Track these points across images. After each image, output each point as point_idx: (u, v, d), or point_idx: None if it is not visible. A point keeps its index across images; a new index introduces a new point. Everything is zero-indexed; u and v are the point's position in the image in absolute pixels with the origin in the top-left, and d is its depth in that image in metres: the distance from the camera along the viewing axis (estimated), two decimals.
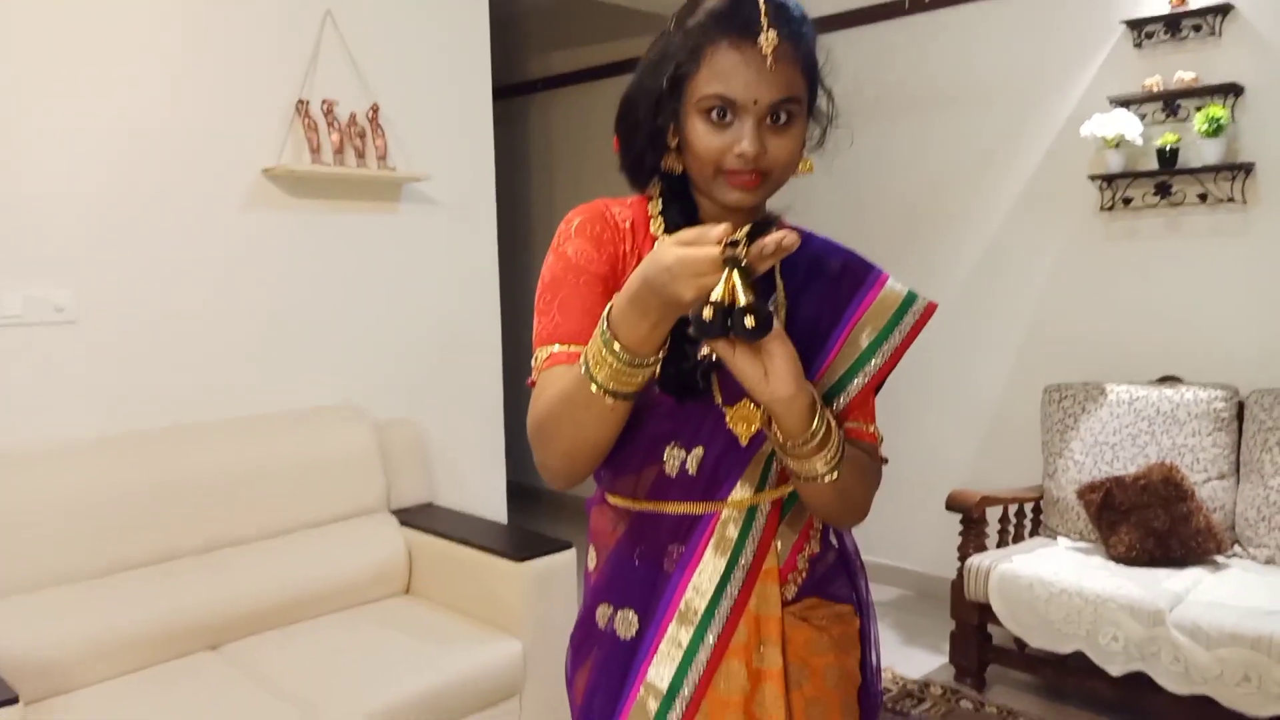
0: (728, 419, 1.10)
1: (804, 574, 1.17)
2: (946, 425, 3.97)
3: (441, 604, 2.76)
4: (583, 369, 0.98)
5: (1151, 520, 2.92)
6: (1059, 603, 2.80)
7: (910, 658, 3.43)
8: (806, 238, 1.20)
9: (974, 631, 3.12)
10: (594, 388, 0.97)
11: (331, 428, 2.91)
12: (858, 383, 1.12)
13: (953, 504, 3.22)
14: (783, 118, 1.03)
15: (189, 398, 2.77)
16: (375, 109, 3.12)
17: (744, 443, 1.10)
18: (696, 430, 1.11)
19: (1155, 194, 3.37)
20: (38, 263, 2.51)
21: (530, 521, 4.49)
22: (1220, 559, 2.96)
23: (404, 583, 2.86)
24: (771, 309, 0.94)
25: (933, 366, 3.86)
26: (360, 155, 3.08)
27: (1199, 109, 3.20)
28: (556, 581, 2.62)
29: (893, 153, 4.03)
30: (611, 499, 1.19)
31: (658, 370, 0.99)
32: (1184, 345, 3.35)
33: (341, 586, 2.70)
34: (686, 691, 1.10)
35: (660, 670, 1.11)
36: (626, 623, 1.15)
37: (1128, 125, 3.26)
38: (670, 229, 1.11)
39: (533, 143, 5.64)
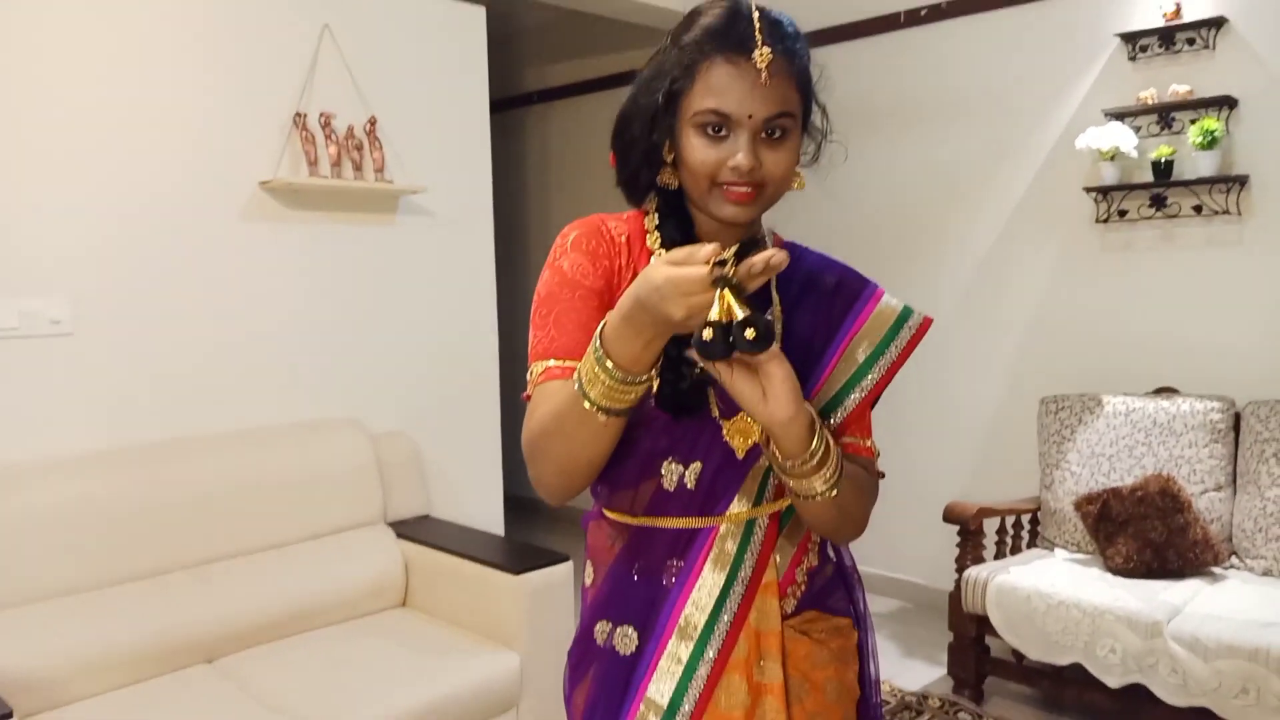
0: (725, 431, 1.10)
1: (803, 587, 1.17)
2: (943, 438, 3.97)
3: (438, 617, 2.75)
4: (576, 385, 0.98)
5: (1149, 532, 2.92)
6: (1057, 614, 2.79)
7: (908, 670, 3.42)
8: (801, 253, 1.20)
9: (972, 643, 3.12)
10: (587, 404, 0.97)
11: (328, 440, 2.91)
12: (854, 398, 1.13)
13: (950, 516, 3.21)
14: (777, 132, 1.04)
15: (185, 411, 2.76)
16: (373, 122, 3.12)
17: (741, 455, 1.10)
18: (694, 445, 1.11)
19: (1150, 206, 3.39)
20: (34, 275, 2.51)
21: (527, 534, 4.48)
22: (1218, 570, 2.96)
23: (401, 596, 2.86)
24: (770, 319, 0.94)
25: (930, 378, 3.86)
26: (358, 168, 3.08)
27: (1193, 121, 3.22)
28: (554, 595, 2.61)
29: (888, 166, 4.04)
30: (609, 514, 1.18)
31: (654, 385, 0.99)
32: (1180, 357, 3.35)
33: (338, 600, 2.69)
34: (687, 707, 1.10)
35: (660, 686, 1.11)
36: (626, 639, 1.15)
37: (1122, 138, 3.28)
38: (666, 244, 1.12)
39: (529, 155, 5.66)
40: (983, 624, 3.05)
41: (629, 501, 1.14)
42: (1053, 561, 3.14)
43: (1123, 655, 2.66)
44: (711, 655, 1.11)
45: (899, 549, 4.03)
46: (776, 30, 1.04)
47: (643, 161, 1.10)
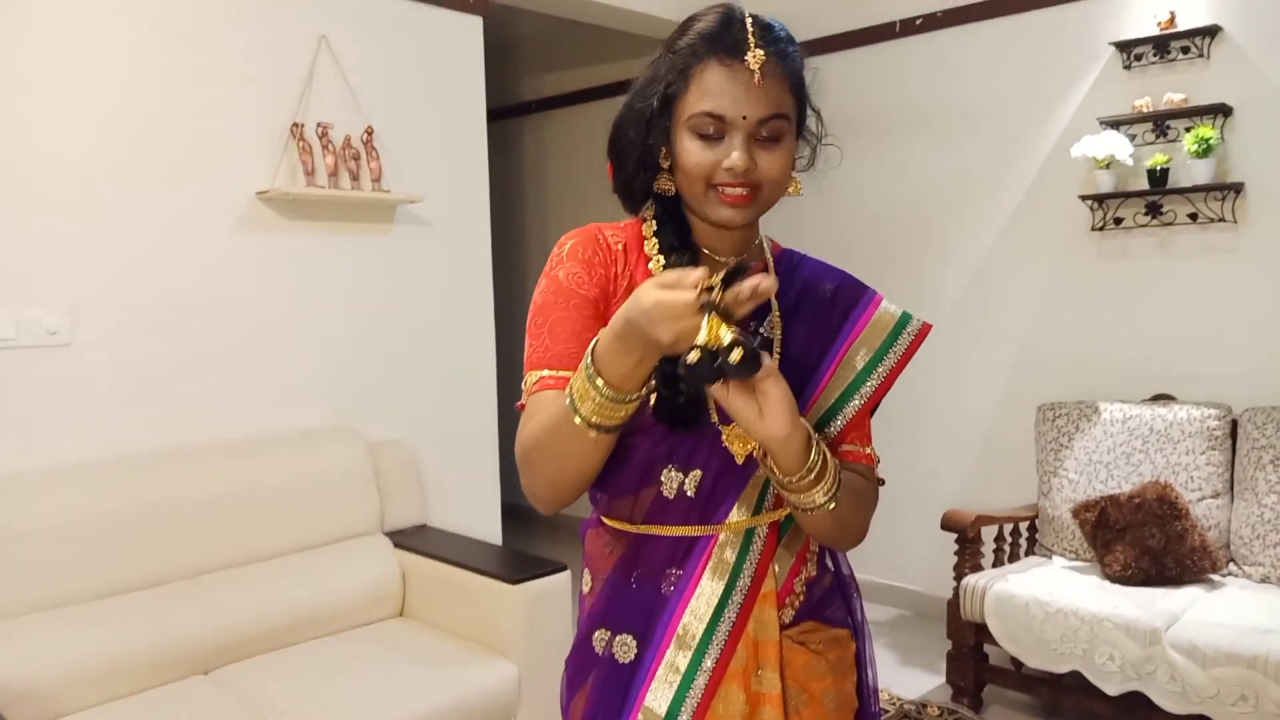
0: (724, 436, 1.10)
1: (801, 597, 1.17)
2: (941, 445, 3.98)
3: (436, 627, 2.74)
4: (568, 401, 0.99)
5: (1146, 539, 2.92)
6: (1055, 622, 2.79)
7: (907, 678, 3.41)
8: (799, 260, 1.21)
9: (970, 651, 3.11)
10: (578, 420, 0.98)
11: (325, 449, 2.90)
12: (854, 404, 1.13)
13: (948, 524, 3.21)
14: (772, 134, 1.04)
15: (182, 420, 2.76)
16: (370, 131, 3.12)
17: (740, 460, 1.10)
18: (693, 452, 1.11)
19: (1146, 214, 3.39)
20: (31, 285, 2.51)
21: (525, 543, 4.47)
22: (1215, 577, 2.96)
23: (398, 605, 2.85)
24: (759, 343, 0.94)
25: (927, 386, 3.87)
26: (355, 178, 3.08)
27: (1188, 129, 3.23)
28: (551, 604, 2.60)
29: (884, 175, 4.05)
30: (608, 521, 1.18)
31: (653, 399, 0.99)
32: (1176, 364, 3.36)
33: (335, 609, 2.68)
34: (684, 717, 1.09)
35: (658, 696, 1.10)
36: (625, 647, 1.14)
37: (1118, 146, 3.29)
38: (664, 250, 1.12)
39: (527, 164, 5.66)
40: (981, 632, 3.04)
41: (628, 509, 1.14)
42: (1051, 569, 3.14)
43: (1121, 663, 2.66)
44: (709, 665, 1.10)
45: (897, 557, 4.03)
46: (769, 34, 1.05)
47: (639, 166, 1.11)
